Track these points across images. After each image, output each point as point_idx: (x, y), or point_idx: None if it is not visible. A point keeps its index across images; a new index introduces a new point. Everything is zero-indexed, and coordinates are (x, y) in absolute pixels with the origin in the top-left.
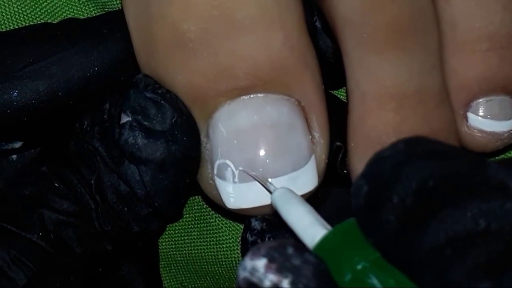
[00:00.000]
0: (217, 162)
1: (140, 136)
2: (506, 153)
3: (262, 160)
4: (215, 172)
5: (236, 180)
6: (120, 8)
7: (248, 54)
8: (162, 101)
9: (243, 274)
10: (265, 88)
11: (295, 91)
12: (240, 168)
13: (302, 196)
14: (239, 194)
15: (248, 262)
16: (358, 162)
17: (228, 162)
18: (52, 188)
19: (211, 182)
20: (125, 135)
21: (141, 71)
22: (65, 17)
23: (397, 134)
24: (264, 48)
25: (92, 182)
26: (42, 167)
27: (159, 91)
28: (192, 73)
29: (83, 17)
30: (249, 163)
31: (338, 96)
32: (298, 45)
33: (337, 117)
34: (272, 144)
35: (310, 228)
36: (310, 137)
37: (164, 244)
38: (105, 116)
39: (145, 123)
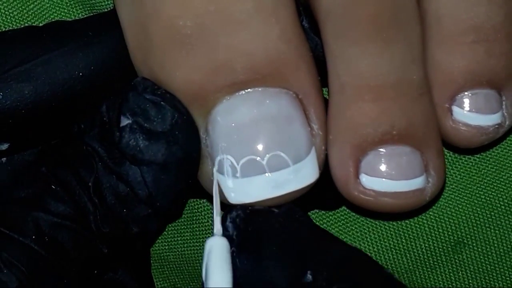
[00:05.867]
0: (218, 158)
1: (141, 138)
2: (491, 150)
3: (263, 154)
4: (216, 168)
5: (238, 175)
6: (108, 9)
7: (245, 49)
8: (161, 102)
9: None
10: (263, 82)
11: (292, 84)
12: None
13: (303, 189)
14: (241, 189)
15: None
16: (336, 154)
17: (229, 157)
18: (48, 191)
19: (212, 178)
20: (126, 137)
21: (128, 72)
22: (52, 19)
23: (375, 125)
24: (261, 42)
25: (90, 184)
26: (42, 168)
27: (158, 92)
28: (189, 69)
29: (70, 19)
30: (251, 158)
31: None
32: (294, 38)
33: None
34: (273, 138)
35: None
36: (309, 129)
37: (157, 245)
38: (104, 119)
39: (145, 125)
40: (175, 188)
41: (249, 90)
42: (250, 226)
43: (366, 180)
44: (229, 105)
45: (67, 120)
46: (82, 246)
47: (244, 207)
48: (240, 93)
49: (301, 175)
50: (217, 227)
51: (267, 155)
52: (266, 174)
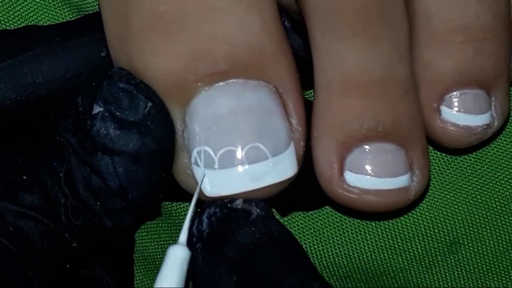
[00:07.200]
0: (195, 150)
1: (112, 127)
2: (487, 150)
3: (242, 146)
4: (193, 160)
5: (216, 166)
6: (92, 12)
7: (226, 38)
8: (135, 91)
9: None
10: (243, 73)
11: (272, 78)
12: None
13: (281, 183)
14: (218, 181)
15: None
16: (321, 151)
17: (207, 148)
18: (19, 182)
19: (188, 171)
20: (96, 126)
21: (97, 78)
22: (39, 21)
23: (360, 121)
24: (243, 31)
25: (61, 175)
26: (17, 158)
27: (133, 82)
28: (169, 57)
29: (57, 21)
30: (229, 149)
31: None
32: (275, 32)
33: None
34: (252, 130)
35: None
36: (288, 124)
37: (150, 248)
38: (80, 109)
39: (117, 113)
40: (148, 180)
41: (228, 81)
42: (222, 229)
43: (351, 178)
44: (208, 96)
45: (33, 124)
46: (49, 238)
47: (223, 205)
48: (219, 84)
49: (279, 168)
50: (183, 236)
51: (246, 146)
52: (245, 166)
